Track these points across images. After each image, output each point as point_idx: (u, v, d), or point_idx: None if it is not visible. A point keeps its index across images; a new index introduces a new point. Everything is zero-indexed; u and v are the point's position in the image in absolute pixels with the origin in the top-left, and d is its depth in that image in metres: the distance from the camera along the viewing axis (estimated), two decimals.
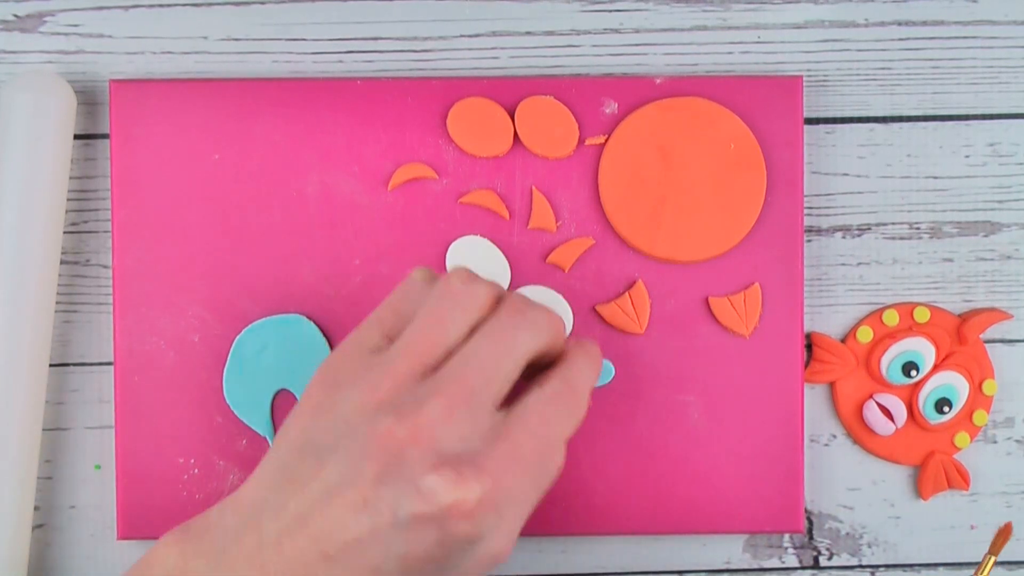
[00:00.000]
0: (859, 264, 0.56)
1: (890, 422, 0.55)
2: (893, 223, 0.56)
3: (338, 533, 0.42)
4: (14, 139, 0.52)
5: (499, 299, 0.46)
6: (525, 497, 0.44)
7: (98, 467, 0.55)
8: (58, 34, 0.55)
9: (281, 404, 0.54)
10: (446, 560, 0.43)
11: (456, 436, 0.42)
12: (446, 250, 0.54)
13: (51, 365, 0.55)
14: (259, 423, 0.54)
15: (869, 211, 0.56)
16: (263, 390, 0.54)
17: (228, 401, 0.53)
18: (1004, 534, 0.53)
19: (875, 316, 0.56)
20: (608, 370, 0.54)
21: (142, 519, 0.54)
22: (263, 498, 0.43)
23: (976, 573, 0.53)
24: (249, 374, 0.54)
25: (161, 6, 0.55)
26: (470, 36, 0.55)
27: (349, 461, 0.42)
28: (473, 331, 0.44)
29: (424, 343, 0.44)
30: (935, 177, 0.56)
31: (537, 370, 0.46)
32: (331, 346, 0.54)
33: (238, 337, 0.53)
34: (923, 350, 0.55)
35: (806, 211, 0.55)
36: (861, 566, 0.56)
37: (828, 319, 0.56)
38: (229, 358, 0.53)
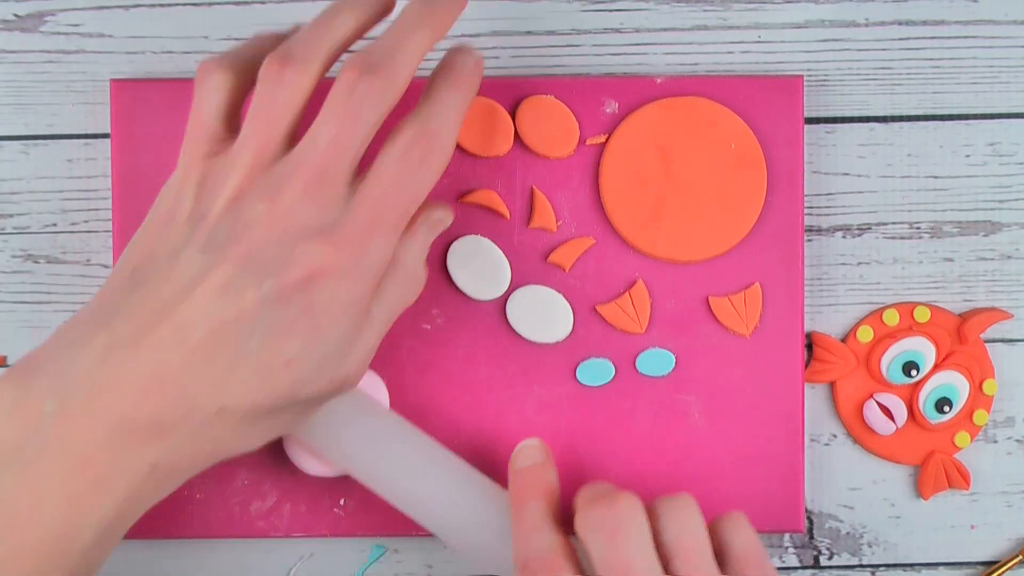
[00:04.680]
0: (859, 264, 0.56)
1: (890, 422, 0.55)
2: (893, 223, 0.56)
3: (201, 318, 0.42)
4: None
5: (325, 66, 0.46)
6: (389, 252, 0.45)
7: None
8: (58, 34, 0.55)
9: None
10: (312, 335, 0.43)
11: (316, 211, 0.43)
12: (446, 250, 0.54)
13: None
14: None
15: (869, 211, 0.56)
16: None
17: None
18: None
19: (875, 316, 0.56)
20: (608, 370, 0.54)
21: (142, 518, 0.54)
22: (111, 306, 0.43)
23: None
24: None
25: (161, 6, 0.55)
26: (470, 36, 0.55)
27: (208, 254, 0.43)
28: (305, 112, 0.45)
29: (258, 140, 0.44)
30: (935, 177, 0.56)
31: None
32: None
33: None
34: (923, 350, 0.55)
35: (806, 211, 0.55)
36: (861, 566, 0.56)
37: (828, 319, 0.56)
38: None
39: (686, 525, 0.46)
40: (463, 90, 0.47)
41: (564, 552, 0.46)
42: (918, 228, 0.56)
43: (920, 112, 0.56)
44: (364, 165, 0.45)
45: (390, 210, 0.44)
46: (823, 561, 0.56)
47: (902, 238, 0.56)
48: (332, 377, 0.45)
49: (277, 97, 0.44)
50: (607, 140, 0.54)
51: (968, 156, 0.56)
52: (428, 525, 0.50)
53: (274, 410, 0.44)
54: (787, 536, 0.56)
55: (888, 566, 0.57)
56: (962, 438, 0.56)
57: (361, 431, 0.50)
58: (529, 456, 0.51)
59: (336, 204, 0.44)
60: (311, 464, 0.52)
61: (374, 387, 0.53)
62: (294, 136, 0.45)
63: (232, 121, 0.46)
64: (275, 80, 0.45)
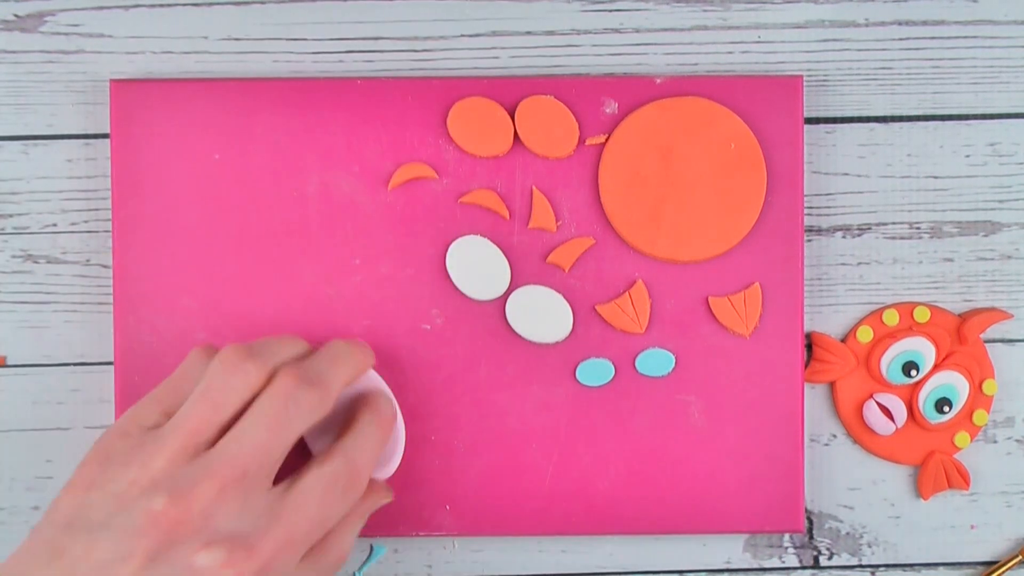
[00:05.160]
0: (859, 264, 0.56)
1: (890, 422, 0.55)
2: (893, 223, 0.56)
3: None
4: None
5: (273, 373, 0.46)
6: (291, 570, 0.45)
7: None
8: (58, 34, 0.55)
9: None
10: None
11: (229, 516, 0.43)
12: (446, 250, 0.54)
13: (51, 365, 0.55)
14: None
15: (869, 211, 0.56)
16: None
17: None
18: None
19: (875, 316, 0.56)
20: (608, 370, 0.54)
21: None
22: (37, 567, 0.43)
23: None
24: None
25: (161, 6, 0.55)
26: (470, 36, 0.55)
27: (121, 539, 0.42)
28: (247, 407, 0.45)
29: (196, 421, 0.45)
30: (935, 177, 0.56)
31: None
32: None
33: None
34: (923, 350, 0.55)
35: (806, 211, 0.55)
36: (861, 566, 0.56)
37: (828, 319, 0.56)
38: None
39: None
40: (384, 431, 0.49)
41: None
42: (918, 228, 0.56)
43: (920, 112, 0.56)
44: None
45: (306, 531, 0.45)
46: (823, 561, 0.56)
47: (902, 238, 0.56)
48: None
49: (230, 383, 0.45)
50: (607, 140, 0.54)
51: (968, 156, 0.56)
52: None
53: None
54: (787, 536, 0.56)
55: (888, 566, 0.57)
56: (962, 438, 0.56)
57: None
58: None
59: (252, 512, 0.44)
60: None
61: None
62: (225, 431, 0.45)
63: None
64: (233, 366, 0.45)
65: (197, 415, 0.45)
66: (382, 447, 0.48)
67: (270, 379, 0.46)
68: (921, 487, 0.56)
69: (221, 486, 0.43)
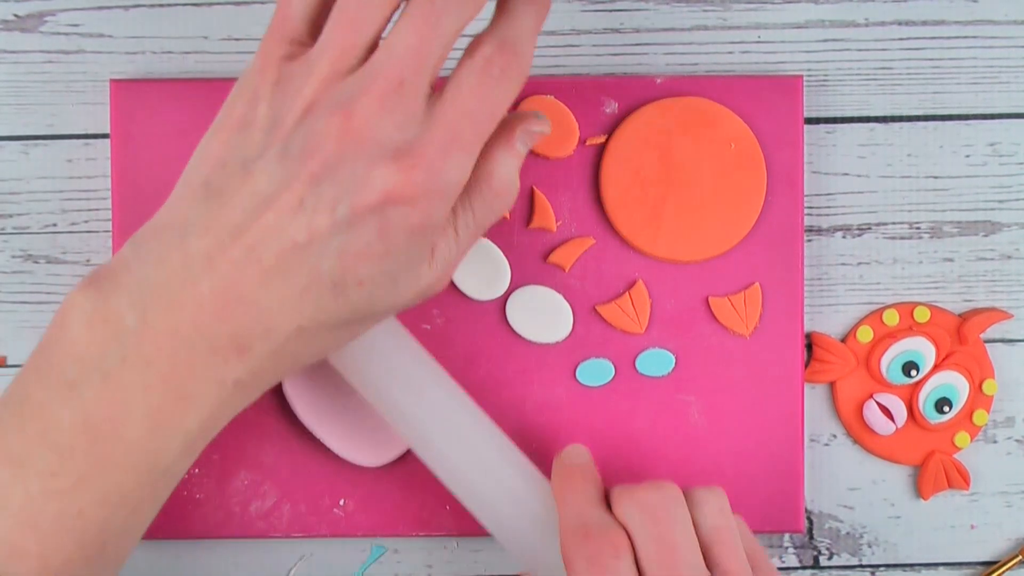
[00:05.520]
0: (859, 264, 0.56)
1: (890, 422, 0.55)
2: (893, 223, 0.56)
3: (275, 239, 0.41)
4: None
5: None
6: (466, 172, 0.43)
7: None
8: (58, 34, 0.55)
9: None
10: (385, 257, 0.42)
11: (392, 127, 0.42)
12: None
13: None
14: None
15: (869, 211, 0.56)
16: None
17: None
18: None
19: (875, 316, 0.56)
20: (608, 370, 0.54)
21: None
22: (185, 218, 0.42)
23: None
24: None
25: (161, 6, 0.55)
26: (470, 36, 0.55)
27: (282, 166, 0.42)
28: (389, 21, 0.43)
29: (338, 47, 0.42)
30: (935, 177, 0.56)
31: None
32: None
33: None
34: (923, 350, 0.55)
35: (806, 211, 0.55)
36: (861, 566, 0.56)
37: (828, 319, 0.56)
38: None
39: (723, 516, 0.47)
40: (538, 4, 0.45)
41: (623, 533, 0.45)
42: (918, 228, 0.56)
43: (920, 112, 0.56)
44: (438, 84, 0.43)
45: (469, 128, 0.43)
46: (823, 561, 0.56)
47: (902, 238, 0.56)
48: (409, 288, 0.44)
49: (363, 4, 0.42)
50: (607, 140, 0.54)
51: (968, 156, 0.56)
52: (459, 493, 0.50)
53: (351, 322, 0.44)
54: (787, 536, 0.56)
55: (888, 566, 0.57)
56: (962, 438, 0.56)
57: (415, 393, 0.49)
58: (577, 455, 0.51)
59: (413, 120, 0.42)
60: (362, 456, 0.53)
61: None
62: (374, 47, 0.43)
63: (316, 24, 0.44)
64: None
65: (337, 41, 0.42)
66: (539, 23, 0.45)
67: None
68: (921, 487, 0.56)
69: (381, 97, 0.41)
